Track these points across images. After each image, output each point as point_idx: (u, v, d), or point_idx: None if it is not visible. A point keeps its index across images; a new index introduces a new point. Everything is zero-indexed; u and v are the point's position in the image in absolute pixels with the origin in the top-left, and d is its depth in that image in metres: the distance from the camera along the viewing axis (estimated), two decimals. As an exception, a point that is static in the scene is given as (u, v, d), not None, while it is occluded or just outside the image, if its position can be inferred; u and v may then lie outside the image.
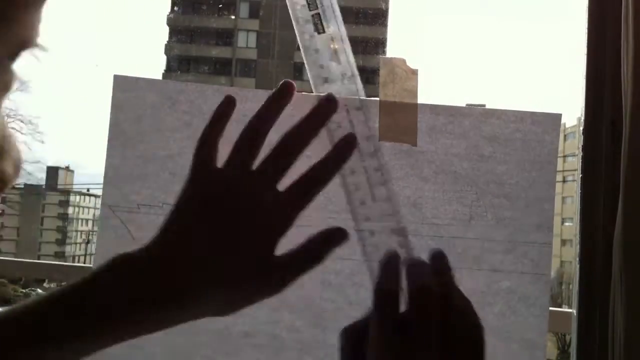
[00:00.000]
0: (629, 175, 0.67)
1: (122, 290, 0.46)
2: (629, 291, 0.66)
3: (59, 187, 23.39)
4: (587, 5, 0.74)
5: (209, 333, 0.69)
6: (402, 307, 0.45)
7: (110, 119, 0.70)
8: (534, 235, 0.66)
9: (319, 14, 0.57)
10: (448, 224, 0.66)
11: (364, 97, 0.57)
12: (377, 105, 0.62)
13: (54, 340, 0.44)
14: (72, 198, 22.95)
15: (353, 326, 0.47)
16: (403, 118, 0.63)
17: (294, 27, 0.57)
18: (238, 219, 0.49)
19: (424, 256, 0.49)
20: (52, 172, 23.23)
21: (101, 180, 0.70)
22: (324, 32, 0.58)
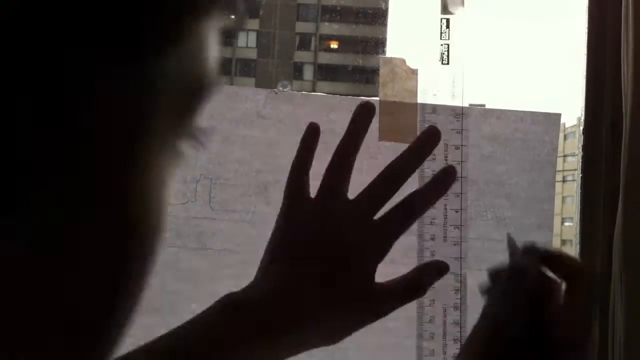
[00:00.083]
0: (629, 175, 0.67)
1: (231, 331, 0.45)
2: (629, 291, 0.66)
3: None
4: (587, 5, 0.74)
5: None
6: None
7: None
8: (534, 235, 0.66)
9: None
10: (448, 223, 0.66)
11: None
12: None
13: None
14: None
15: (499, 269, 0.48)
16: (403, 118, 0.63)
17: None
18: (335, 249, 0.49)
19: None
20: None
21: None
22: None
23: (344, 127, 0.57)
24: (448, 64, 0.64)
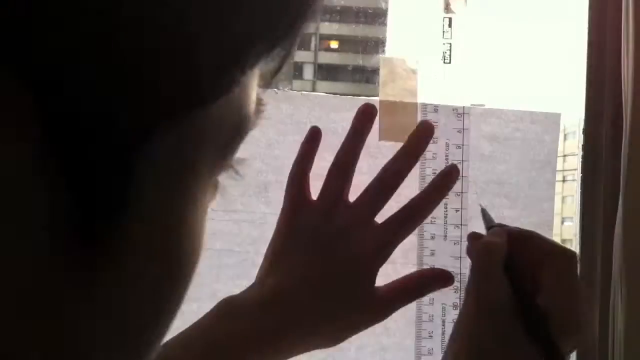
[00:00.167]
0: (629, 175, 0.67)
1: (231, 334, 0.45)
2: (629, 291, 0.66)
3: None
4: (587, 5, 0.74)
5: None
6: None
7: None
8: (534, 235, 0.66)
9: None
10: (448, 223, 0.66)
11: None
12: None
13: None
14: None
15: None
16: (403, 118, 0.63)
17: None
18: (336, 251, 0.49)
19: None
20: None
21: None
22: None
23: (345, 126, 0.57)
24: (450, 62, 0.64)
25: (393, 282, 0.51)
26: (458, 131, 0.64)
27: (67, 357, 0.16)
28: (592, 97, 0.73)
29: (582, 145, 0.75)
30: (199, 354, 0.44)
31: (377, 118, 0.60)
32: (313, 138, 0.54)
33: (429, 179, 0.60)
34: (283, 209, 0.52)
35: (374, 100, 0.62)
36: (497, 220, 0.54)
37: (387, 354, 0.63)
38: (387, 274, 0.55)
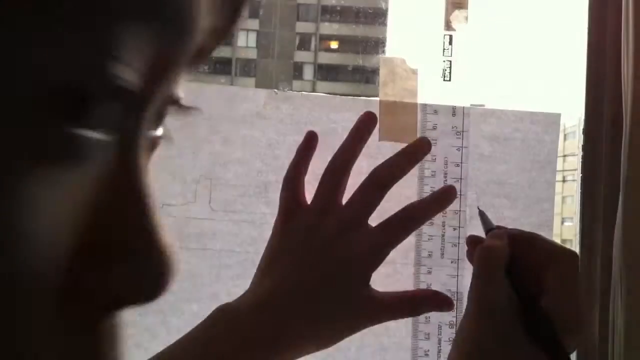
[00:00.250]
0: (629, 175, 0.67)
1: (227, 341, 0.45)
2: (629, 291, 0.66)
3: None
4: (587, 5, 0.74)
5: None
6: None
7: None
8: (534, 235, 0.66)
9: None
10: (447, 224, 0.66)
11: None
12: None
13: None
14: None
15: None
16: (403, 118, 0.63)
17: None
18: (329, 253, 0.49)
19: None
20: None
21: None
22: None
23: (345, 126, 0.57)
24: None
25: (391, 293, 0.51)
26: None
27: None
28: (592, 97, 0.73)
29: (582, 145, 0.75)
30: None
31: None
32: (309, 142, 0.54)
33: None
34: (278, 213, 0.52)
35: (374, 100, 0.62)
36: (496, 221, 0.54)
37: (387, 354, 0.63)
38: (387, 274, 0.55)
